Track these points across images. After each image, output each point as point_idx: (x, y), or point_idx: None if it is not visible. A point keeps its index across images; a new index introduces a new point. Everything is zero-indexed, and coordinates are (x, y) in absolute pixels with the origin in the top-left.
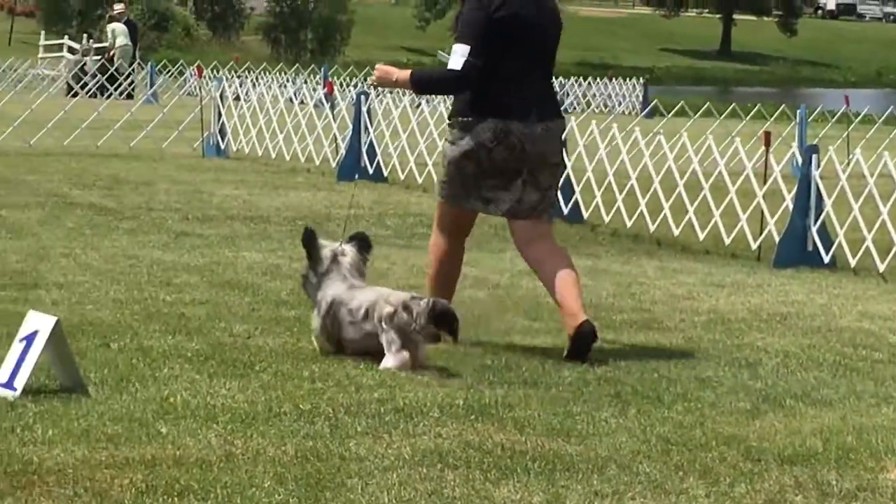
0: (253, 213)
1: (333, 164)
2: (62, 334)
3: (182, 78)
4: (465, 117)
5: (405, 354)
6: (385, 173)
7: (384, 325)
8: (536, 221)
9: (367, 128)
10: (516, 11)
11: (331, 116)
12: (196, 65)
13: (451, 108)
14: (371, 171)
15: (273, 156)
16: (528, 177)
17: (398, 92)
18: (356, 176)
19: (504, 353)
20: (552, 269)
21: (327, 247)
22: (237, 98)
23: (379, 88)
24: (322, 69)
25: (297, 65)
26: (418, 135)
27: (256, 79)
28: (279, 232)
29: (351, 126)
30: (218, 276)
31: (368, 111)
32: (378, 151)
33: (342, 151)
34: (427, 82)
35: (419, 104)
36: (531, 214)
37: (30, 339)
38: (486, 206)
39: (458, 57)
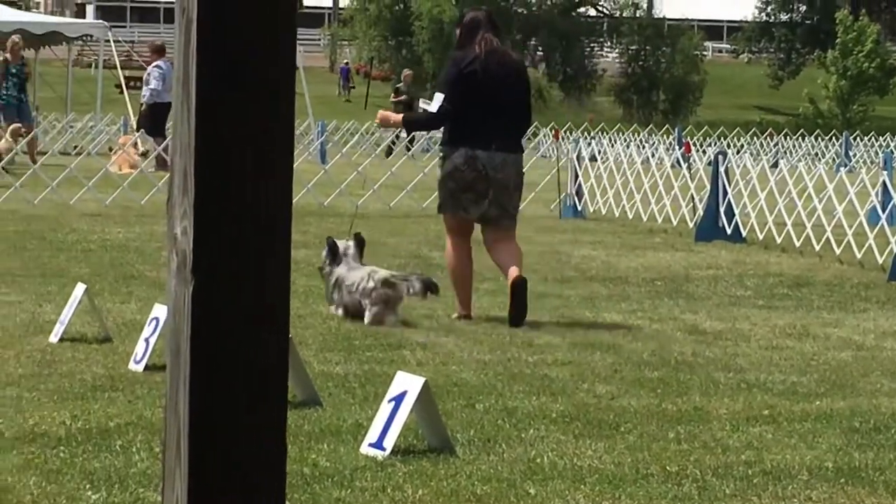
0: (611, 274)
1: (691, 225)
2: (430, 395)
3: (536, 140)
4: (446, 146)
5: (380, 318)
6: (743, 233)
7: (364, 297)
8: (498, 227)
9: (724, 188)
10: (479, 69)
11: (688, 176)
12: (551, 127)
13: (440, 140)
14: (729, 231)
15: (630, 216)
16: (493, 198)
17: (754, 151)
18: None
19: (872, 415)
20: (501, 252)
21: (339, 244)
22: (593, 159)
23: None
24: (676, 129)
25: (650, 125)
26: (776, 194)
27: (611, 139)
28: (638, 293)
29: (708, 186)
30: (579, 336)
31: (726, 171)
32: (736, 211)
33: (700, 212)
34: (414, 122)
35: (775, 162)
36: (494, 224)
37: (399, 399)
38: (465, 214)
39: (436, 103)
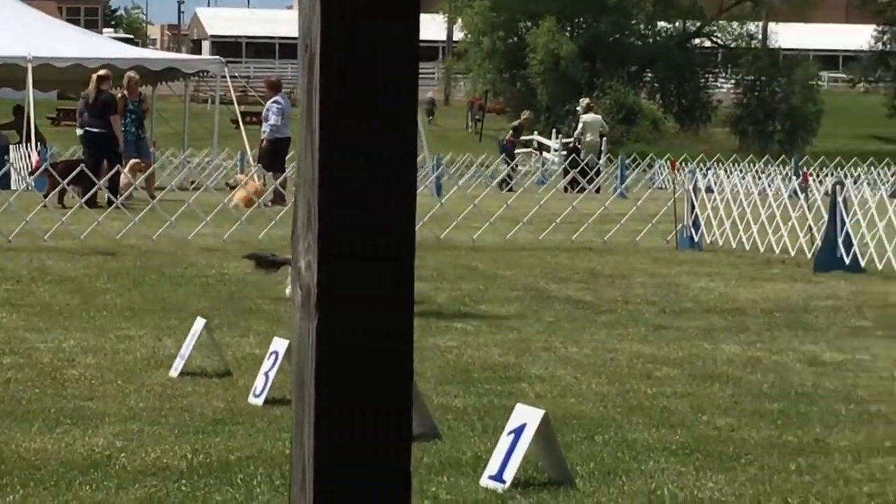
0: (729, 306)
1: (809, 255)
2: (550, 427)
3: (651, 171)
4: None
5: None
6: (862, 263)
7: None
8: None
9: (842, 218)
10: None
11: (805, 207)
12: (667, 158)
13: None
14: (848, 261)
15: (747, 247)
16: None
17: (871, 181)
18: None
19: None
20: None
21: None
22: (709, 190)
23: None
24: (793, 160)
25: (766, 156)
26: None
27: (727, 170)
28: (756, 324)
29: (826, 216)
30: (698, 368)
31: (844, 201)
32: (854, 241)
33: (818, 242)
34: None
35: (894, 192)
36: None
37: (518, 431)
38: None
39: None
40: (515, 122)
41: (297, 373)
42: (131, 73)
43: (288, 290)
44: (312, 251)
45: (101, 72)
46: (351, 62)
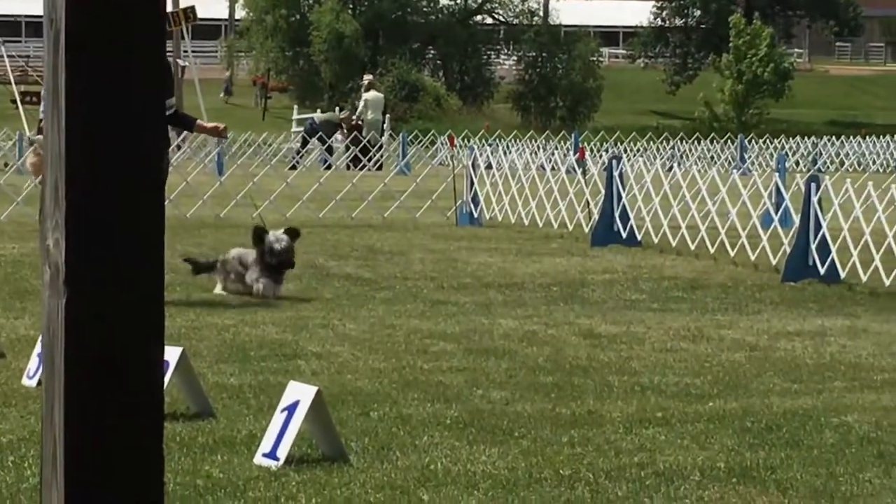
0: (507, 280)
1: (587, 230)
2: (323, 404)
3: (434, 148)
4: None
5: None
6: (639, 237)
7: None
8: None
9: (619, 192)
10: None
11: (583, 182)
12: (448, 134)
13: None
14: (624, 235)
15: (526, 222)
16: None
17: (650, 155)
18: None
19: (764, 415)
20: None
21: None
22: (489, 166)
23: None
24: (573, 135)
25: (546, 132)
26: (671, 198)
27: (507, 146)
28: (534, 298)
29: (603, 191)
30: (474, 343)
31: (620, 175)
32: (631, 215)
33: (595, 216)
34: None
35: (671, 167)
36: None
37: (291, 409)
38: None
39: None
40: (337, 120)
41: (47, 351)
42: None
43: (217, 289)
44: (60, 229)
45: None
46: (96, 35)
